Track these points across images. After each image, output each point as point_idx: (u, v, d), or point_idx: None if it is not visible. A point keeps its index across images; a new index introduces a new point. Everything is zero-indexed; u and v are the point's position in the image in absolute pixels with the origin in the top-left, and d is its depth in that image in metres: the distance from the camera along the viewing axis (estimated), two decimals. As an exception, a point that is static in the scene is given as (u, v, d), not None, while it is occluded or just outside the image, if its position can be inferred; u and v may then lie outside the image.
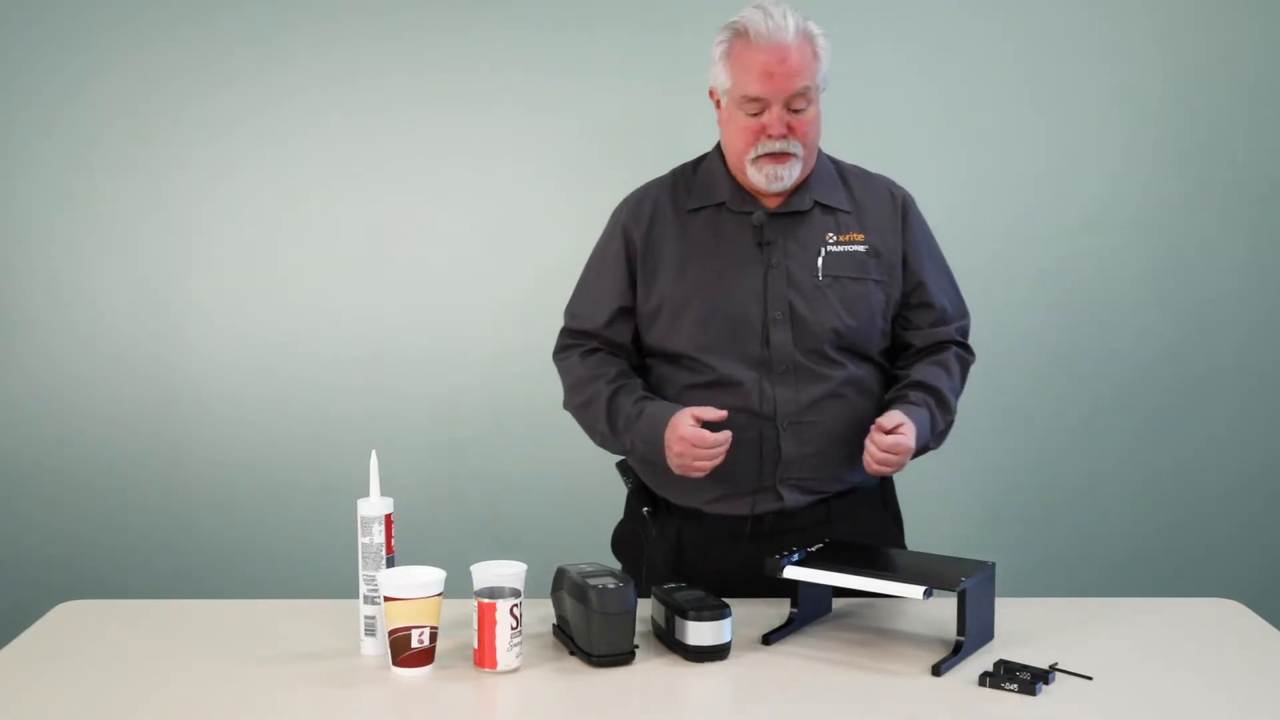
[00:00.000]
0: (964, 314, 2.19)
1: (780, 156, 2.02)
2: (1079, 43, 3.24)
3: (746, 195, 2.09)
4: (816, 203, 2.09)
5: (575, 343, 2.18)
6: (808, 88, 1.99)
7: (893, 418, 1.98)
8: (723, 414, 1.97)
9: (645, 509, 2.16)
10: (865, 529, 2.09)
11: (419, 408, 3.29)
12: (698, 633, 1.81)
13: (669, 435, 1.98)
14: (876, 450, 1.97)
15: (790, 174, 2.03)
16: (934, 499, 3.34)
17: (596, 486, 3.25)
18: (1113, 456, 3.32)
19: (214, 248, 3.28)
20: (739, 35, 2.01)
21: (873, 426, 1.98)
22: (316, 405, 3.29)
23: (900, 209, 2.13)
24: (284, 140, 3.25)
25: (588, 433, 2.16)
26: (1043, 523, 3.33)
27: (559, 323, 3.24)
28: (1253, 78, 3.24)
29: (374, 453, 1.89)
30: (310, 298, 3.29)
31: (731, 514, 2.07)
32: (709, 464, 1.97)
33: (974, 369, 3.27)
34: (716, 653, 1.82)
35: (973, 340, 3.32)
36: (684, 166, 2.19)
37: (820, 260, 2.07)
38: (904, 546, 2.20)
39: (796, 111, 2.00)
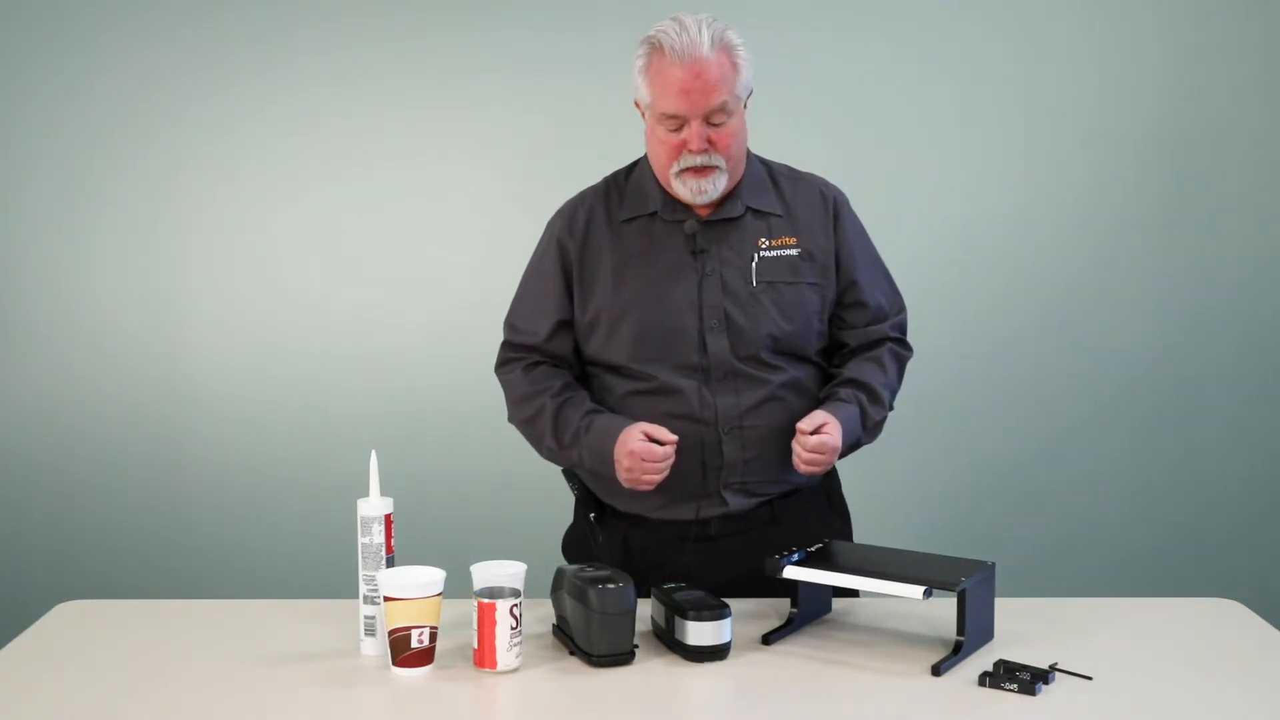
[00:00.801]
0: (900, 309, 2.19)
1: (702, 170, 2.01)
2: (1079, 43, 3.24)
3: (678, 204, 2.08)
4: (748, 208, 2.09)
5: (517, 356, 2.18)
6: (725, 102, 1.97)
7: (814, 419, 1.98)
8: (673, 439, 1.98)
9: (591, 514, 2.17)
10: (812, 528, 2.08)
11: (419, 408, 3.29)
12: (698, 633, 1.81)
13: (618, 450, 1.99)
14: (803, 451, 1.97)
15: (715, 186, 2.02)
16: (934, 499, 3.34)
17: (596, 486, 3.27)
18: (1112, 456, 3.32)
19: (214, 247, 3.28)
20: (655, 50, 1.99)
21: (796, 428, 1.98)
22: (316, 405, 3.29)
23: (831, 209, 2.13)
24: (284, 140, 3.25)
25: (534, 446, 2.16)
26: (1043, 523, 3.33)
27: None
28: (1253, 78, 3.24)
29: (374, 453, 1.89)
30: (310, 297, 3.29)
31: (677, 519, 2.07)
32: (657, 478, 1.99)
33: (974, 369, 3.30)
34: (716, 653, 1.82)
35: (974, 341, 3.34)
36: (617, 174, 2.19)
37: (754, 266, 2.07)
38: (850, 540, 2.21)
39: (716, 125, 1.99)
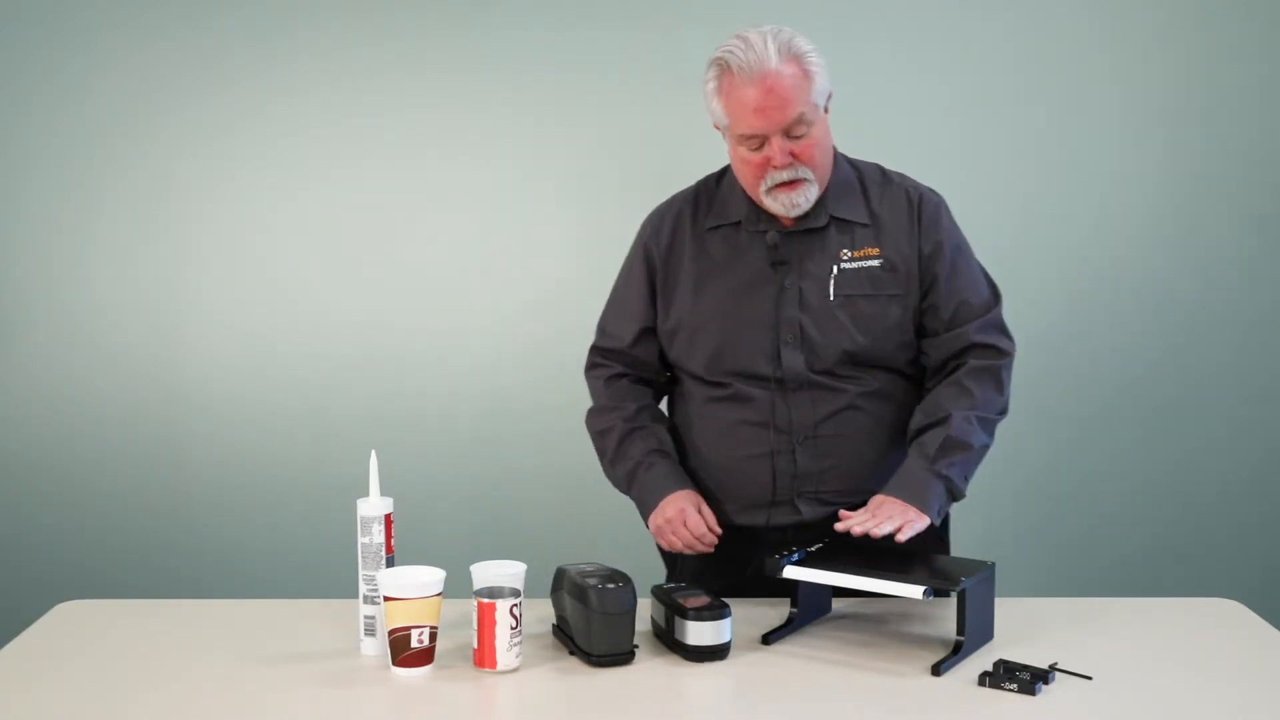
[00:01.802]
0: (988, 308, 2.09)
1: (792, 184, 1.99)
2: (1080, 43, 3.24)
3: (763, 213, 2.07)
4: (833, 217, 2.06)
5: (603, 362, 2.22)
6: (802, 113, 1.94)
7: (872, 504, 1.94)
8: (716, 537, 2.02)
9: None
10: (893, 541, 2.07)
11: (419, 408, 3.29)
12: (698, 633, 1.81)
13: (669, 501, 2.04)
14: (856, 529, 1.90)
15: (807, 198, 2.00)
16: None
17: (596, 487, 3.26)
18: (1113, 457, 3.32)
19: (214, 248, 3.28)
20: (724, 71, 1.96)
21: (840, 513, 1.94)
22: (316, 405, 3.29)
23: (916, 213, 2.07)
24: (284, 140, 3.25)
25: (597, 454, 2.21)
26: (1043, 523, 3.33)
27: (558, 322, 3.28)
28: (1254, 78, 3.24)
29: (374, 453, 1.90)
30: (310, 298, 3.29)
31: (749, 524, 2.09)
32: (681, 546, 2.03)
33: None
34: (716, 653, 1.82)
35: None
36: (708, 179, 2.18)
37: (833, 279, 2.04)
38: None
39: (797, 137, 1.96)
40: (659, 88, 3.21)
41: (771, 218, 2.06)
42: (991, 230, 3.27)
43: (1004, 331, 2.10)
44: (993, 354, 2.06)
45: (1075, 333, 3.30)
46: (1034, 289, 3.29)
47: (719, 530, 2.04)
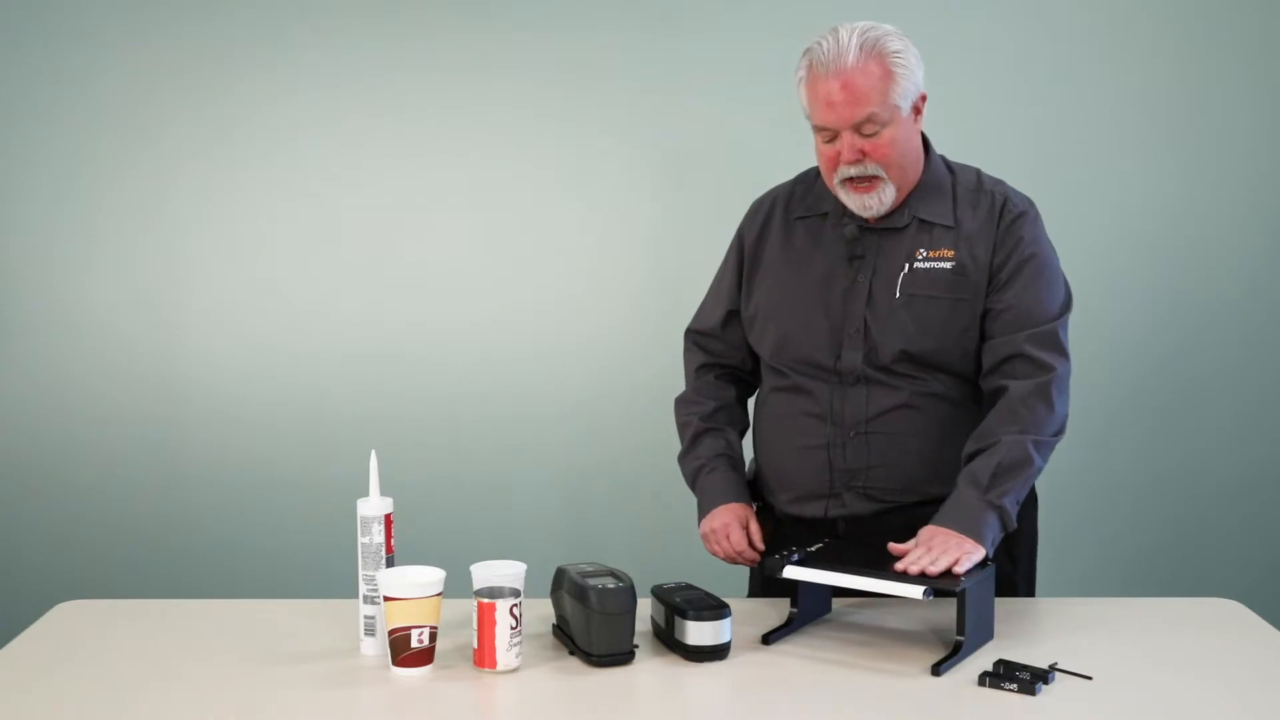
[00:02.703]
0: (1047, 321, 2.04)
1: (865, 184, 2.00)
2: (1080, 44, 3.24)
3: (849, 209, 2.08)
4: (915, 218, 2.06)
5: (696, 346, 2.29)
6: (874, 113, 1.95)
7: (903, 549, 1.89)
8: (754, 558, 2.06)
9: (758, 503, 2.24)
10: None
11: (419, 408, 3.29)
12: (698, 633, 1.81)
13: (718, 512, 2.09)
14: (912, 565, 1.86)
15: (880, 199, 2.01)
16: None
17: (597, 487, 3.27)
18: (1113, 457, 3.32)
19: (214, 248, 3.28)
20: (810, 63, 1.99)
21: (890, 548, 1.91)
22: (316, 405, 3.29)
23: (997, 218, 2.06)
24: (284, 141, 3.25)
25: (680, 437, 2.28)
26: (1043, 523, 3.32)
27: (559, 322, 3.28)
28: (1255, 78, 3.23)
29: (374, 453, 1.90)
30: (310, 298, 3.29)
31: (809, 516, 2.12)
32: (723, 556, 2.08)
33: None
34: (716, 653, 1.82)
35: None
36: (808, 172, 2.20)
37: (901, 278, 2.05)
38: (1013, 579, 2.13)
39: (868, 135, 1.97)
40: (662, 88, 3.21)
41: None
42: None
43: (1057, 347, 2.05)
44: (1038, 369, 2.02)
45: (1075, 333, 3.28)
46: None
47: (762, 547, 2.06)
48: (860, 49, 1.95)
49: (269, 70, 3.23)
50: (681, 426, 2.25)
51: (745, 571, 2.28)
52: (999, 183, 2.14)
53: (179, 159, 3.25)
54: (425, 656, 1.78)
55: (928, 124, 3.22)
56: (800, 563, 1.88)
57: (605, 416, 3.26)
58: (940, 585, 1.80)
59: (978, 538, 1.89)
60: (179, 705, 1.69)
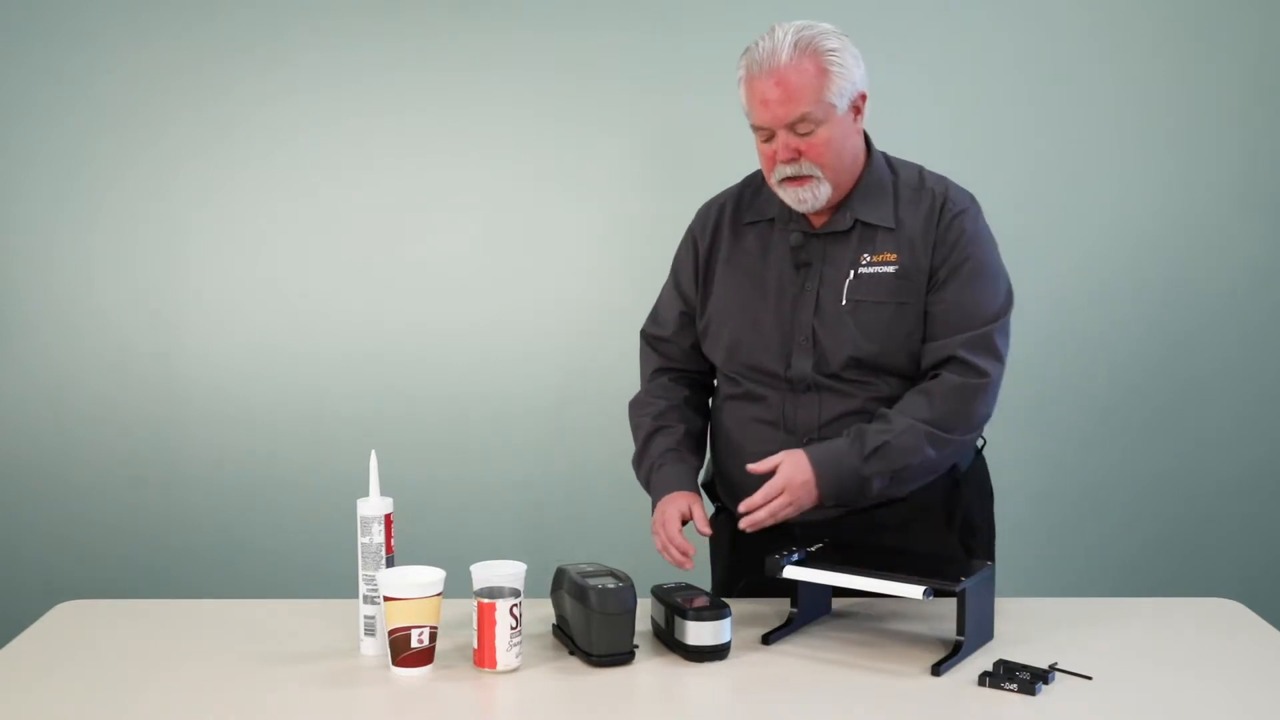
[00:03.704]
0: (983, 324, 2.01)
1: (799, 180, 1.99)
2: (1080, 45, 3.24)
3: (795, 212, 2.07)
4: (858, 220, 2.05)
5: (650, 349, 2.26)
6: (808, 112, 1.94)
7: (769, 461, 1.95)
8: (689, 556, 2.01)
9: (716, 505, 2.24)
10: (922, 544, 2.06)
11: (419, 408, 3.29)
12: (697, 633, 1.81)
13: (663, 502, 2.06)
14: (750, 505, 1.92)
15: (815, 195, 2.00)
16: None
17: (597, 487, 3.27)
18: (1113, 457, 3.32)
19: (214, 248, 3.28)
20: (747, 63, 1.99)
21: (748, 468, 1.97)
22: (316, 405, 3.29)
23: (937, 217, 2.04)
24: (284, 141, 3.25)
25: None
26: (1043, 523, 3.33)
27: (559, 322, 3.28)
28: (1255, 79, 3.23)
29: (374, 453, 1.90)
30: (310, 298, 3.29)
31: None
32: (659, 546, 2.04)
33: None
34: (716, 653, 1.82)
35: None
36: (754, 176, 2.17)
37: (847, 284, 2.04)
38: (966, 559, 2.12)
39: (803, 135, 1.96)
40: (664, 87, 3.21)
41: (802, 217, 2.07)
42: (992, 231, 3.28)
43: (992, 351, 2.02)
44: (970, 372, 1.99)
45: (1075, 333, 3.30)
46: (1033, 289, 3.28)
47: (708, 531, 2.03)
48: (794, 47, 1.94)
49: (269, 70, 3.23)
50: (635, 429, 2.21)
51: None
52: (941, 180, 2.11)
53: (179, 159, 3.25)
54: (425, 656, 1.78)
55: (930, 123, 3.24)
56: (800, 563, 1.88)
57: (605, 416, 3.25)
58: (940, 585, 1.80)
59: (826, 494, 1.94)
60: (179, 705, 1.69)
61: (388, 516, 1.86)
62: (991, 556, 2.20)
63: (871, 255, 2.03)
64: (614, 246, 3.26)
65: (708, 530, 2.03)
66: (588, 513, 3.26)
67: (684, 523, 2.04)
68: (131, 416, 3.29)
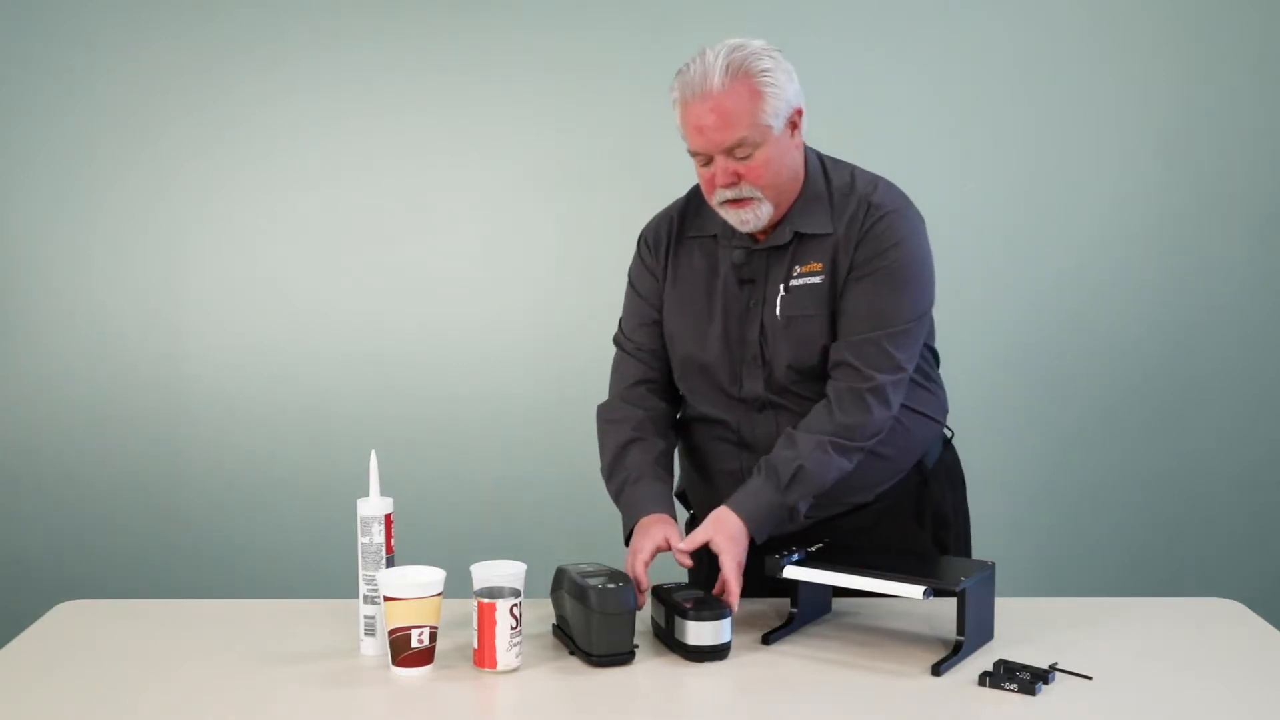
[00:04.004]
0: (883, 327, 1.96)
1: (740, 202, 1.95)
2: (1080, 45, 3.24)
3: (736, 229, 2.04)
4: (796, 233, 2.01)
5: (626, 358, 2.17)
6: (745, 136, 1.89)
7: (693, 540, 1.91)
8: (689, 564, 1.94)
9: (690, 512, 2.22)
10: (893, 543, 2.06)
11: (419, 408, 3.29)
12: (698, 633, 1.81)
13: (641, 535, 1.97)
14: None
15: (757, 215, 1.96)
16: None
17: (597, 487, 3.26)
18: (1113, 457, 3.32)
19: (214, 247, 3.28)
20: (680, 87, 1.94)
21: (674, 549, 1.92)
22: (316, 405, 3.29)
23: (861, 218, 1.99)
24: (284, 141, 3.25)
25: (599, 449, 2.16)
26: (1043, 523, 3.33)
27: (559, 321, 3.28)
28: (1255, 78, 3.24)
29: (374, 453, 1.89)
30: (310, 298, 3.29)
31: None
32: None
33: (974, 369, 3.29)
34: (716, 653, 1.82)
35: (973, 342, 3.30)
36: (698, 189, 2.12)
37: (779, 300, 2.01)
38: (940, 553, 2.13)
39: (742, 158, 1.92)
40: (662, 88, 3.20)
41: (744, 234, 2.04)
42: (990, 231, 3.29)
43: (884, 356, 1.96)
44: (857, 377, 1.96)
45: (1075, 333, 3.30)
46: (1033, 291, 3.30)
47: (688, 564, 1.94)
48: (726, 71, 1.89)
49: (269, 70, 3.24)
50: (604, 435, 2.13)
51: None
52: (871, 181, 2.04)
53: (179, 159, 3.26)
54: (425, 656, 1.78)
55: (930, 123, 3.24)
56: (800, 563, 1.88)
57: (605, 416, 3.26)
58: (940, 585, 1.80)
59: (758, 534, 1.92)
60: (179, 705, 1.69)
61: (388, 516, 1.86)
62: (967, 549, 2.19)
63: (800, 267, 2.00)
64: (615, 246, 3.25)
65: (688, 562, 1.94)
66: (588, 513, 3.25)
67: (660, 551, 1.97)
68: (131, 416, 3.29)
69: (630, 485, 2.05)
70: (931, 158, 3.24)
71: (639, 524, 2.00)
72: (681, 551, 1.91)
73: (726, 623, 1.82)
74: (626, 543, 2.03)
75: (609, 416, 2.15)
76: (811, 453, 1.93)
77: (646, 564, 1.93)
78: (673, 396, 2.17)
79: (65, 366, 3.29)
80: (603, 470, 2.14)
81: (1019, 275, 3.29)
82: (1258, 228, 3.27)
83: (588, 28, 3.22)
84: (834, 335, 1.99)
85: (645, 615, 1.92)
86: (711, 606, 1.82)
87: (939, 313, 3.02)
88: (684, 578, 2.00)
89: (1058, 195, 3.28)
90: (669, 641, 1.86)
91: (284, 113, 3.25)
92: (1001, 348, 3.30)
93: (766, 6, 3.17)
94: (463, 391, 3.30)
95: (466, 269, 3.29)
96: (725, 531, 1.91)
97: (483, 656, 1.77)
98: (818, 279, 1.99)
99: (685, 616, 1.81)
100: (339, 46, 3.23)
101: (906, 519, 2.11)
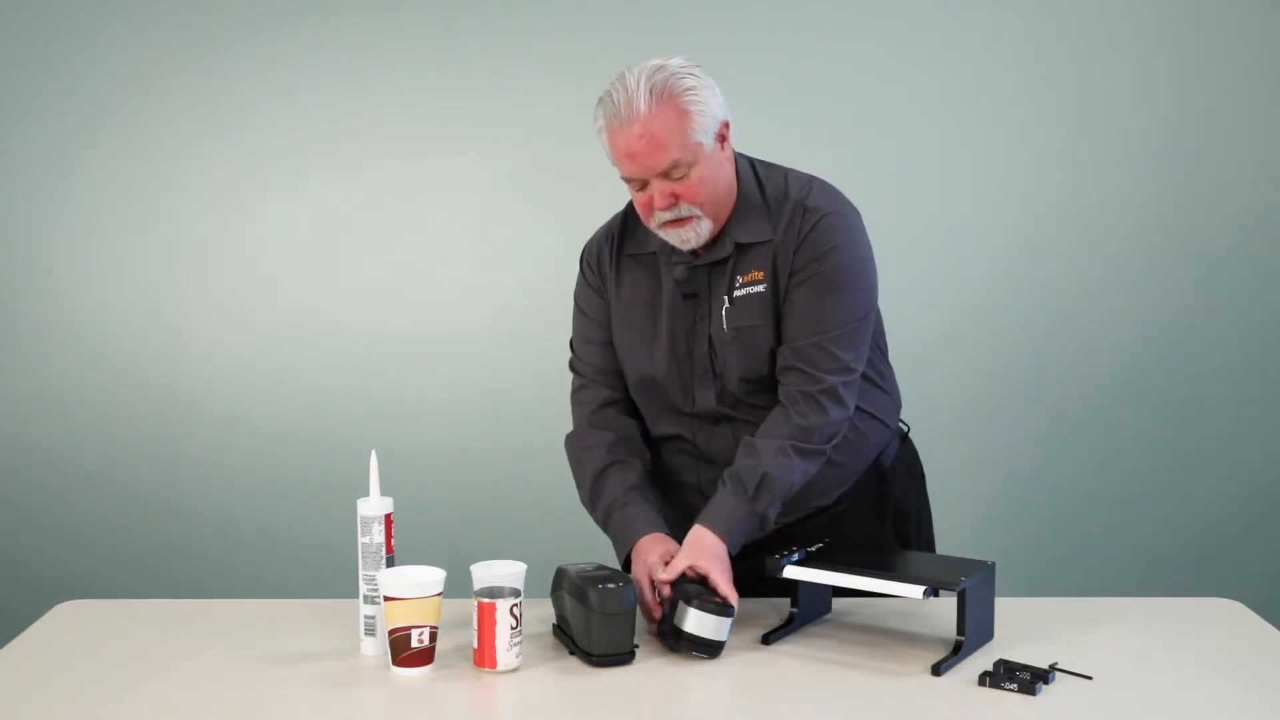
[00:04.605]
0: (827, 329, 1.95)
1: (679, 221, 1.93)
2: (1080, 45, 3.24)
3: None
4: (736, 244, 1.99)
5: (586, 384, 2.14)
6: (678, 159, 1.87)
7: (674, 569, 1.88)
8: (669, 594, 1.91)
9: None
10: (857, 541, 2.05)
11: (419, 408, 3.29)
12: (699, 622, 1.79)
13: (638, 561, 1.95)
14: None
15: (698, 233, 1.94)
16: (934, 499, 3.34)
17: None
18: (1113, 457, 3.32)
19: (214, 248, 3.28)
20: (605, 114, 1.91)
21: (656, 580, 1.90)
22: (316, 405, 3.29)
23: (799, 222, 1.97)
24: (284, 141, 3.26)
25: (575, 482, 2.14)
26: (1043, 523, 3.33)
27: (559, 321, 3.23)
28: (1255, 78, 3.24)
29: (374, 453, 1.89)
30: (310, 298, 3.29)
31: None
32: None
33: (974, 369, 3.29)
34: (710, 648, 1.80)
35: (975, 343, 3.30)
36: (632, 205, 2.08)
37: (724, 311, 1.99)
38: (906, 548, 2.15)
39: (677, 179, 1.90)
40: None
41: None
42: (990, 231, 3.29)
43: (832, 358, 1.96)
44: (809, 381, 1.95)
45: (1075, 333, 3.30)
46: (1034, 291, 3.30)
47: (665, 592, 1.92)
48: (650, 94, 1.86)
49: (269, 70, 3.24)
50: (578, 464, 2.10)
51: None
52: (805, 183, 2.02)
53: (179, 159, 3.26)
54: (425, 656, 1.78)
55: (930, 123, 3.23)
56: (800, 563, 1.88)
57: (605, 416, 3.26)
58: (940, 585, 1.80)
59: (734, 545, 1.91)
60: (179, 705, 1.69)
61: (388, 516, 1.86)
62: (930, 544, 2.19)
63: (742, 278, 1.99)
64: (614, 246, 3.25)
65: (668, 592, 1.90)
66: (588, 513, 3.26)
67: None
68: (131, 416, 3.29)
69: (617, 511, 2.03)
70: (931, 157, 3.24)
71: (636, 547, 1.99)
72: (663, 582, 1.89)
73: (728, 622, 1.82)
74: (623, 568, 2.03)
75: (581, 444, 2.11)
76: (774, 458, 1.92)
77: (652, 591, 1.90)
78: (638, 412, 2.14)
79: (65, 366, 3.29)
80: (583, 499, 2.11)
81: (1019, 275, 3.29)
82: (1257, 228, 3.27)
83: (588, 28, 3.22)
84: (780, 341, 1.98)
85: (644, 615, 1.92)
86: (717, 601, 1.82)
87: (939, 312, 3.04)
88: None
89: (1057, 194, 3.28)
90: (666, 627, 1.84)
91: (284, 113, 3.25)
92: (1002, 347, 3.30)
93: (766, 6, 3.17)
94: (463, 391, 3.30)
95: (467, 269, 3.29)
96: (705, 552, 1.90)
97: (483, 656, 1.77)
98: (760, 288, 1.98)
99: (689, 602, 1.80)
100: (339, 46, 3.23)
101: (867, 516, 2.11)
